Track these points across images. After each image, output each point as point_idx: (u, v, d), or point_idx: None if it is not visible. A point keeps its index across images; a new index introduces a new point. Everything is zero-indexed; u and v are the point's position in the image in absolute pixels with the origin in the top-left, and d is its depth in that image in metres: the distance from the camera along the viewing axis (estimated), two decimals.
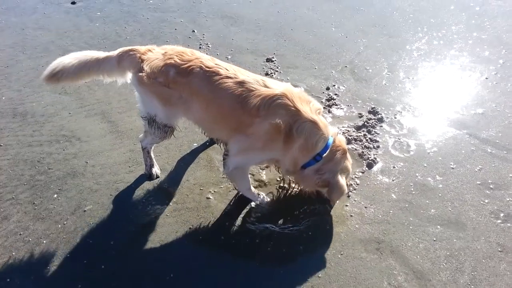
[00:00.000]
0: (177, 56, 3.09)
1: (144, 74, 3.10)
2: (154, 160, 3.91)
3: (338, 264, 3.15)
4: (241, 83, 2.95)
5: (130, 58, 3.23)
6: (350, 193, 3.77)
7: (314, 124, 2.93)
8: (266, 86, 2.97)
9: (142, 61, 3.17)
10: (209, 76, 2.98)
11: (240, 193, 3.68)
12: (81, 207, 3.63)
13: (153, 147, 3.84)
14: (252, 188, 3.59)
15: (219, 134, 3.41)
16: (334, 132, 3.18)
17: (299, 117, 2.90)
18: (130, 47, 3.29)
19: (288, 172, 3.28)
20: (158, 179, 3.91)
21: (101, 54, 3.34)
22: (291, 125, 2.88)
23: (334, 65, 5.98)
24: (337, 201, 3.55)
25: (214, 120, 3.20)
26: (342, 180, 3.17)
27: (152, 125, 3.42)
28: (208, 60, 3.08)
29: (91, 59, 3.30)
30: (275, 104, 2.88)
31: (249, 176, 3.60)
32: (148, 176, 3.89)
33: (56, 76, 3.24)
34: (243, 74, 3.04)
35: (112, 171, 4.01)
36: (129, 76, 3.38)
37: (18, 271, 3.12)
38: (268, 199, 3.65)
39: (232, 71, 3.03)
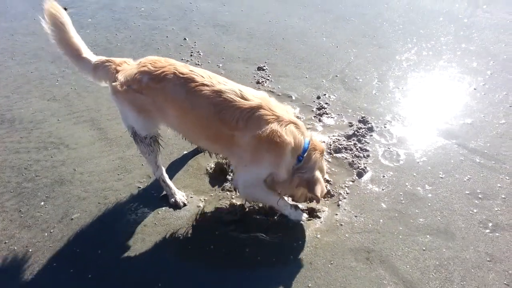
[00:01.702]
0: (150, 63, 3.07)
1: (118, 83, 3.09)
2: (174, 187, 3.76)
3: (328, 274, 3.13)
4: (218, 93, 2.91)
5: (105, 69, 3.21)
6: (340, 201, 3.77)
7: (296, 125, 3.03)
8: (243, 97, 2.94)
9: (117, 72, 3.16)
10: (184, 83, 2.94)
11: (230, 203, 3.66)
12: (69, 215, 3.58)
13: (165, 174, 3.70)
14: (281, 200, 3.36)
15: (198, 143, 3.41)
16: (310, 133, 3.25)
17: (282, 121, 2.94)
18: (106, 58, 3.27)
19: (282, 183, 3.19)
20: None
21: (83, 49, 3.29)
22: (277, 131, 2.88)
23: (324, 74, 6.02)
24: (322, 196, 3.30)
25: (192, 129, 3.18)
26: (321, 177, 3.18)
27: (136, 141, 3.38)
28: (182, 67, 3.05)
29: (76, 46, 3.27)
30: (254, 116, 2.90)
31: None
32: (174, 205, 3.70)
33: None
34: (220, 83, 2.99)
35: (101, 178, 3.97)
36: (105, 85, 3.36)
37: (2, 280, 3.05)
38: (305, 215, 3.58)
39: (208, 79, 2.98)
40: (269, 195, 3.31)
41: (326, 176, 3.81)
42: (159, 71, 3.00)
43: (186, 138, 3.50)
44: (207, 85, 2.93)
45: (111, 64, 3.21)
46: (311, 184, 3.12)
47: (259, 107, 2.92)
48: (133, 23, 7.36)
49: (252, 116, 2.89)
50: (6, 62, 5.98)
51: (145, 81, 3.00)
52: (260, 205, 3.62)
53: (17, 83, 5.49)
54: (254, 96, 3.00)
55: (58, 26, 3.20)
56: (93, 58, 3.28)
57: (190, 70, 3.02)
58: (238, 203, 3.70)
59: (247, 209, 3.58)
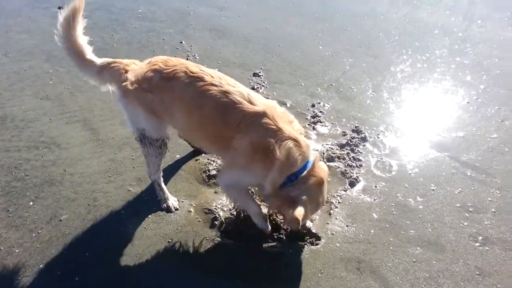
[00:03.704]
0: (162, 62, 3.05)
1: (128, 82, 3.04)
2: (167, 192, 3.72)
3: (318, 283, 3.12)
4: (226, 93, 2.86)
5: (112, 71, 3.17)
6: (331, 211, 3.76)
7: (295, 142, 2.85)
8: (250, 101, 2.89)
9: (126, 71, 3.12)
10: (193, 81, 2.91)
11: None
12: (57, 216, 3.53)
13: (162, 178, 3.66)
14: (255, 209, 3.30)
15: (202, 144, 3.35)
16: (316, 157, 3.05)
17: (281, 135, 2.81)
18: (113, 59, 3.24)
19: (267, 197, 3.08)
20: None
21: (87, 51, 3.26)
22: (272, 143, 2.78)
23: (320, 82, 6.04)
24: (293, 220, 2.93)
25: (196, 128, 3.13)
26: (306, 202, 2.87)
27: (144, 143, 3.30)
28: (193, 66, 3.02)
29: (81, 47, 3.26)
30: (256, 123, 2.82)
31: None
32: (166, 210, 3.66)
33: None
34: (229, 84, 2.95)
35: (91, 180, 3.92)
36: (109, 88, 3.32)
37: None
38: (269, 228, 3.42)
39: (217, 79, 2.94)
40: (246, 200, 3.29)
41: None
42: (170, 70, 2.97)
43: (187, 137, 3.48)
44: (215, 85, 2.89)
45: (119, 65, 3.18)
46: (292, 202, 2.86)
47: (263, 114, 2.83)
48: (130, 25, 7.34)
49: (254, 122, 2.82)
50: (0, 59, 5.91)
51: (155, 80, 2.97)
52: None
53: (10, 80, 5.42)
54: (261, 102, 2.93)
55: (72, 22, 3.18)
56: (98, 60, 3.24)
57: (201, 70, 2.99)
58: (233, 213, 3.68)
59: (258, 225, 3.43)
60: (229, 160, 3.09)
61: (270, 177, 2.90)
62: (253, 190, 3.76)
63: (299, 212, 2.78)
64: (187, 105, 2.97)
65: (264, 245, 3.38)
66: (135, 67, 3.14)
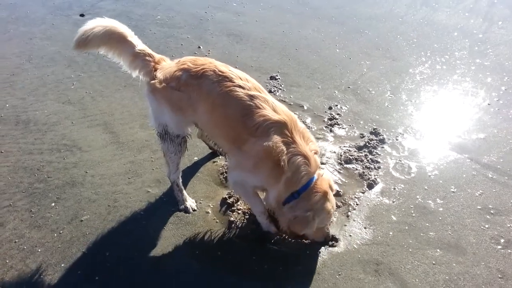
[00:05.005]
0: (190, 62, 3.12)
1: (156, 80, 3.13)
2: (185, 193, 3.77)
3: (335, 285, 3.10)
4: (251, 97, 2.92)
5: (144, 62, 3.24)
6: (349, 212, 3.74)
7: (306, 159, 2.89)
8: (274, 109, 2.93)
9: (155, 69, 3.20)
10: (220, 80, 2.97)
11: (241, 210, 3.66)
12: (78, 217, 3.61)
13: (180, 179, 3.70)
14: (260, 208, 3.36)
15: (218, 140, 3.39)
16: (319, 172, 3.09)
17: (294, 149, 2.86)
18: (149, 52, 3.28)
19: (270, 206, 3.22)
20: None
21: (127, 33, 3.28)
22: (283, 155, 2.82)
23: (337, 85, 6.02)
24: (299, 236, 3.32)
25: (216, 125, 3.17)
26: (312, 218, 2.97)
27: (165, 139, 3.37)
28: (221, 66, 3.08)
29: (117, 33, 3.26)
30: (274, 131, 2.85)
31: None
32: (184, 211, 3.71)
33: (85, 41, 3.15)
34: (256, 89, 3.00)
35: (112, 182, 4.00)
36: (137, 74, 3.36)
37: (10, 279, 3.07)
38: (274, 228, 3.46)
39: (245, 81, 3.00)
40: (251, 199, 3.35)
41: (336, 187, 3.59)
42: (199, 68, 3.04)
43: (208, 135, 3.57)
44: (242, 87, 2.95)
45: (151, 60, 3.25)
46: (296, 221, 3.01)
47: (283, 125, 2.88)
48: (149, 31, 7.46)
49: (273, 130, 2.85)
50: (24, 65, 6.09)
51: (184, 78, 3.04)
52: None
53: (33, 85, 5.58)
54: (284, 113, 2.97)
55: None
56: (139, 45, 3.28)
57: (229, 70, 3.06)
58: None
59: (263, 226, 3.49)
60: (240, 160, 3.12)
61: (277, 189, 2.99)
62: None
63: (300, 230, 3.12)
64: (212, 102, 3.01)
65: (280, 247, 3.39)
66: (165, 65, 3.22)
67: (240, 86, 2.95)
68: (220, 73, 2.99)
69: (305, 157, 2.89)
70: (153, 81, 3.16)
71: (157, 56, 3.30)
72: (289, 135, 2.88)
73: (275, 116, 2.89)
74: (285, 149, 2.83)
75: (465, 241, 3.51)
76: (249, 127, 2.89)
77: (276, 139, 2.83)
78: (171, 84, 3.08)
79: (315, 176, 3.02)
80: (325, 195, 3.01)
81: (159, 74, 3.15)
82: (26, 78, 5.77)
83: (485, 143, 4.81)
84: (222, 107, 2.98)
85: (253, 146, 2.90)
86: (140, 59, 3.25)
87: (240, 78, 3.01)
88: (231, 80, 2.97)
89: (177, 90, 3.07)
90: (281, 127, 2.88)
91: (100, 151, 4.41)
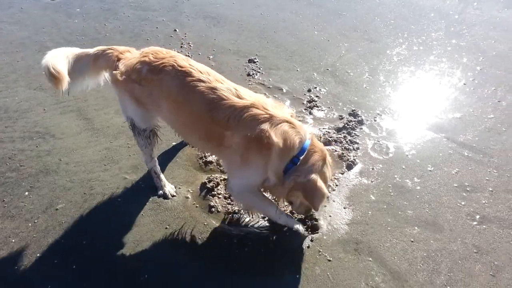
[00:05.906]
0: (152, 54, 2.99)
1: (118, 72, 3.01)
2: (164, 179, 3.71)
3: (316, 265, 3.12)
4: (213, 89, 2.80)
5: (106, 57, 3.13)
6: (329, 193, 3.74)
7: (290, 124, 2.80)
8: (238, 96, 2.83)
9: (118, 60, 3.08)
10: (180, 76, 2.86)
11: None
12: (53, 206, 3.51)
13: (158, 166, 3.64)
14: (275, 208, 3.15)
15: (191, 141, 3.28)
16: (311, 134, 2.98)
17: (274, 120, 2.75)
18: (107, 46, 3.19)
19: (273, 188, 3.01)
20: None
21: (77, 50, 3.19)
22: (266, 130, 2.69)
23: (315, 67, 5.99)
24: (320, 206, 3.03)
25: (184, 125, 3.08)
26: (319, 181, 2.83)
27: (134, 132, 3.30)
28: (182, 60, 2.96)
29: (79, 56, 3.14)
30: (246, 115, 2.74)
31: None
32: (163, 197, 3.64)
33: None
34: (217, 80, 2.89)
35: (87, 169, 3.90)
36: (105, 75, 3.28)
37: None
38: (301, 226, 3.37)
39: (206, 75, 2.89)
40: (263, 203, 3.14)
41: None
42: (158, 62, 2.92)
43: (180, 136, 3.43)
44: (203, 81, 2.84)
45: (113, 52, 3.14)
46: (306, 189, 2.83)
47: (252, 106, 2.77)
48: (123, 14, 7.25)
49: (244, 115, 2.74)
50: None
51: (144, 72, 2.92)
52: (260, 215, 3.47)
53: (2, 72, 5.37)
54: (250, 96, 2.88)
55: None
56: (91, 50, 3.19)
57: (190, 64, 2.93)
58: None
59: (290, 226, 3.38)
60: (229, 164, 3.03)
61: (271, 165, 2.82)
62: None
63: (317, 198, 2.82)
64: (174, 101, 2.92)
65: (260, 229, 3.38)
66: (129, 56, 3.10)
67: (200, 80, 2.83)
68: (180, 68, 2.88)
69: (288, 121, 2.79)
70: (115, 72, 3.03)
71: (120, 48, 3.18)
72: (263, 111, 2.76)
73: (241, 102, 2.78)
74: (266, 125, 2.71)
75: (442, 219, 3.57)
76: (219, 121, 2.77)
77: (252, 121, 2.72)
78: (132, 77, 2.96)
79: (309, 139, 2.90)
80: (324, 157, 2.91)
81: (121, 65, 3.01)
82: None
83: (461, 122, 4.88)
84: (185, 105, 2.87)
85: (231, 140, 2.80)
86: (101, 58, 3.14)
87: (200, 71, 2.89)
88: (190, 75, 2.85)
89: (138, 84, 2.95)
90: (251, 108, 2.76)
91: (74, 138, 4.29)
